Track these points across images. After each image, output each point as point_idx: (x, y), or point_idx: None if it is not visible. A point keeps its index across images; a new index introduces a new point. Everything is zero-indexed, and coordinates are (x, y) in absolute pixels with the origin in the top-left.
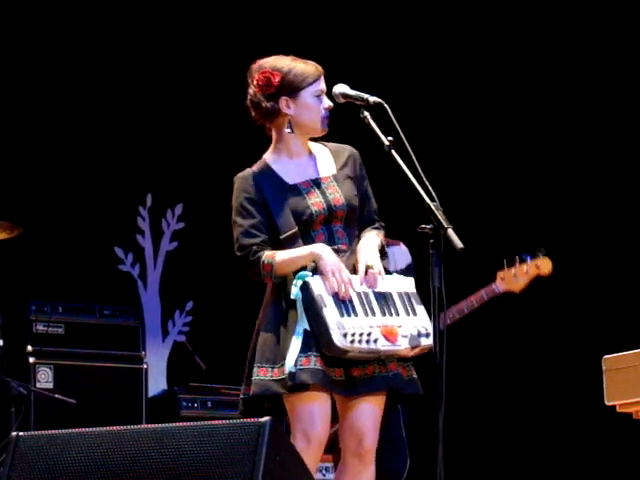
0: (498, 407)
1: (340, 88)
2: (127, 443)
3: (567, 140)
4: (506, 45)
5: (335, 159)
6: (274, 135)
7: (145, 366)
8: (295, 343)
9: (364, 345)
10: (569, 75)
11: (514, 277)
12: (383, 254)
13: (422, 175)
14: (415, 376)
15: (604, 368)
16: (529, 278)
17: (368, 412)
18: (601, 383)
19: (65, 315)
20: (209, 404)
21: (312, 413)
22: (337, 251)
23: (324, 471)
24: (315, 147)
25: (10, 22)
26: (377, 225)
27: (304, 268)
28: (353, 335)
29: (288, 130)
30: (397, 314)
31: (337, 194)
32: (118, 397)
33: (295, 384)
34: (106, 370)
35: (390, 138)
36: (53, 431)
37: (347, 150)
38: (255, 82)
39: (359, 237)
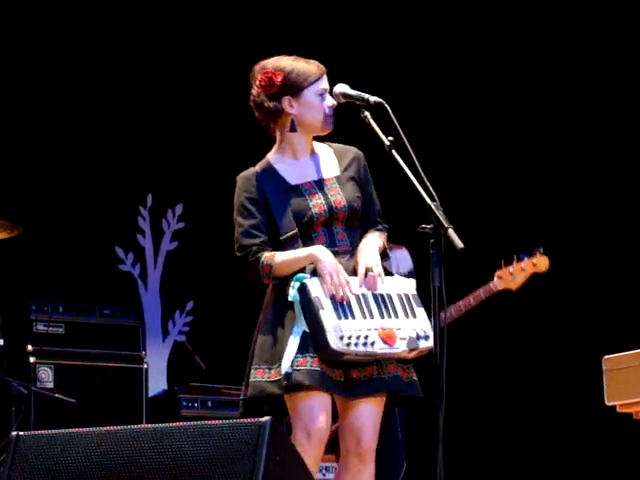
0: (498, 407)
1: (340, 88)
2: (127, 443)
3: (565, 140)
4: (506, 45)
5: (339, 160)
6: (278, 135)
7: (145, 366)
8: (292, 344)
9: (361, 348)
10: (569, 74)
11: (511, 275)
12: (384, 256)
13: (422, 175)
14: (415, 378)
15: (604, 368)
16: (526, 275)
17: (368, 412)
18: (601, 383)
19: (65, 315)
20: (209, 404)
21: (312, 409)
22: (337, 253)
23: (324, 471)
24: (319, 147)
25: (10, 22)
26: (380, 227)
27: (303, 270)
28: (350, 338)
29: (291, 130)
30: (396, 316)
31: (339, 196)
32: (118, 397)
33: (291, 384)
34: (106, 370)
35: (390, 138)
36: (53, 431)
37: (352, 152)
38: (258, 82)
39: (361, 239)
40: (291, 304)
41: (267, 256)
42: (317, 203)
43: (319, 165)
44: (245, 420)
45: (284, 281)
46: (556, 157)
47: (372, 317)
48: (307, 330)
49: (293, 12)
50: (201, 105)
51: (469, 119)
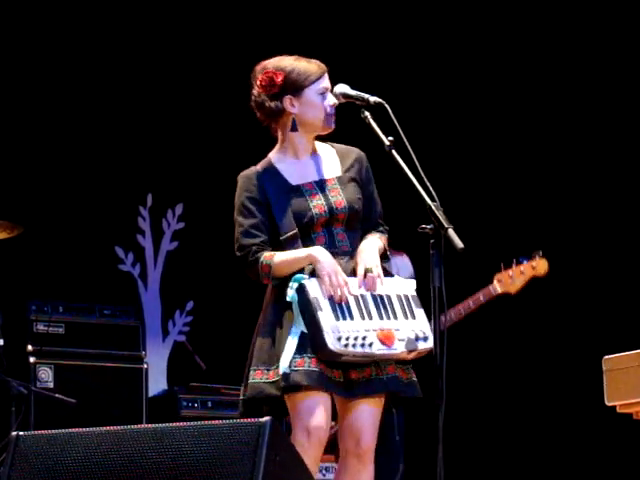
0: (498, 407)
1: (340, 88)
2: (127, 443)
3: (564, 143)
4: (506, 45)
5: (341, 161)
6: (279, 135)
7: (145, 366)
8: (290, 344)
9: (358, 349)
10: (569, 77)
11: (510, 278)
12: (384, 257)
13: (423, 175)
14: (414, 379)
15: (604, 368)
16: (525, 279)
17: (367, 413)
18: (601, 383)
19: (65, 315)
20: (209, 404)
21: (311, 408)
22: (337, 254)
23: (324, 471)
24: (322, 147)
25: (10, 22)
26: (381, 229)
27: (302, 270)
28: (347, 339)
29: (292, 129)
30: (395, 317)
31: (339, 197)
32: (118, 397)
33: (288, 385)
34: (106, 370)
35: (391, 138)
36: (53, 431)
37: (354, 152)
38: (258, 82)
39: (362, 240)
40: (290, 305)
41: (266, 256)
42: (317, 204)
43: (321, 165)
44: (245, 420)
45: (284, 281)
46: (556, 160)
47: (371, 318)
48: (305, 331)
49: (293, 12)
50: (201, 105)
51: (469, 120)
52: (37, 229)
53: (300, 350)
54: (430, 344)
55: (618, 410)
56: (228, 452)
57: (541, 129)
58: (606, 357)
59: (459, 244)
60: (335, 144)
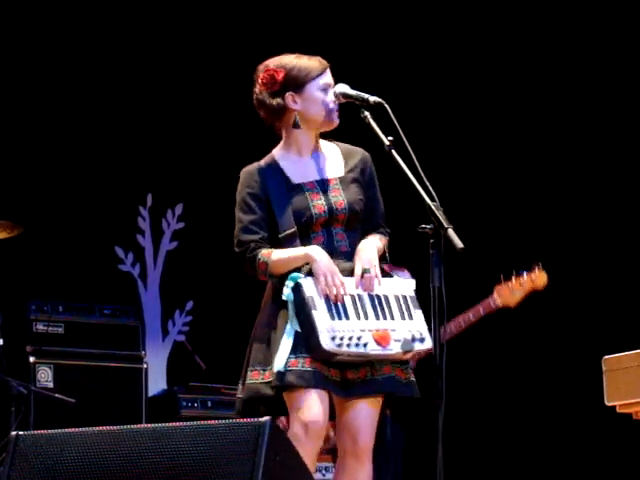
0: (498, 407)
1: (340, 88)
2: (126, 443)
3: (565, 157)
4: (506, 46)
5: (345, 161)
6: (283, 133)
7: (145, 366)
8: (285, 343)
9: (353, 349)
10: (570, 81)
11: (510, 291)
12: (384, 259)
13: (422, 175)
14: (413, 379)
15: (604, 369)
16: (524, 292)
17: (364, 413)
18: (601, 384)
19: (65, 315)
20: (209, 404)
21: (308, 403)
22: (335, 254)
23: (324, 471)
24: (326, 146)
25: (10, 22)
26: (382, 231)
27: (299, 269)
28: (342, 339)
29: (294, 126)
30: (392, 317)
31: (340, 197)
32: (118, 397)
33: (281, 385)
34: (106, 370)
35: (390, 138)
36: (53, 430)
37: (359, 153)
38: (260, 81)
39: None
40: (285, 304)
41: (264, 253)
42: (317, 203)
43: (324, 164)
44: (244, 420)
45: (283, 281)
46: (556, 173)
47: (367, 318)
48: (299, 330)
49: (294, 12)
50: (201, 105)
51: (469, 120)
52: (37, 229)
53: (294, 350)
54: (426, 345)
55: (618, 410)
56: (226, 452)
57: (541, 141)
58: (606, 357)
59: (459, 244)
60: (340, 143)
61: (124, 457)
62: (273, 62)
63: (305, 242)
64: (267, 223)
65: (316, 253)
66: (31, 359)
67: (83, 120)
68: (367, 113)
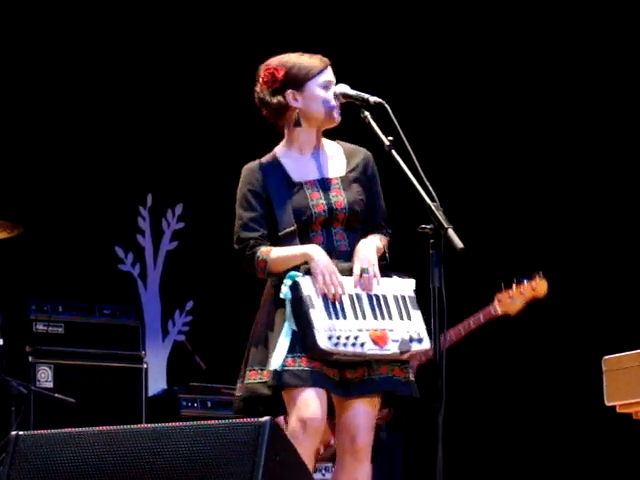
0: (498, 408)
1: (340, 88)
2: (126, 443)
3: (567, 167)
4: (506, 46)
5: (347, 160)
6: (285, 131)
7: (145, 366)
8: (282, 343)
9: (349, 348)
10: (571, 85)
11: (510, 299)
12: (383, 259)
13: (422, 175)
14: (412, 378)
15: (604, 369)
16: (525, 300)
17: (362, 412)
18: (601, 384)
19: (65, 315)
20: (209, 404)
21: (306, 400)
22: (334, 254)
23: (323, 471)
24: (329, 145)
25: (10, 22)
26: (383, 231)
27: (297, 268)
28: (338, 338)
29: (296, 124)
30: (390, 317)
31: (340, 197)
32: (118, 397)
33: (278, 384)
34: (106, 370)
35: (390, 138)
36: (53, 430)
37: (361, 153)
38: (261, 80)
39: None
40: (283, 303)
41: (263, 251)
42: (317, 203)
43: (326, 163)
44: (244, 420)
45: (282, 280)
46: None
47: (364, 318)
48: (296, 329)
49: (294, 12)
50: (201, 105)
51: (469, 122)
52: (37, 229)
53: (291, 350)
54: (424, 346)
55: (618, 410)
56: (226, 452)
57: (543, 150)
58: (606, 357)
59: (459, 244)
60: (343, 143)
61: (124, 457)
62: (274, 61)
63: (304, 241)
64: (267, 221)
65: (315, 252)
66: (31, 359)
67: (83, 120)
68: (367, 113)
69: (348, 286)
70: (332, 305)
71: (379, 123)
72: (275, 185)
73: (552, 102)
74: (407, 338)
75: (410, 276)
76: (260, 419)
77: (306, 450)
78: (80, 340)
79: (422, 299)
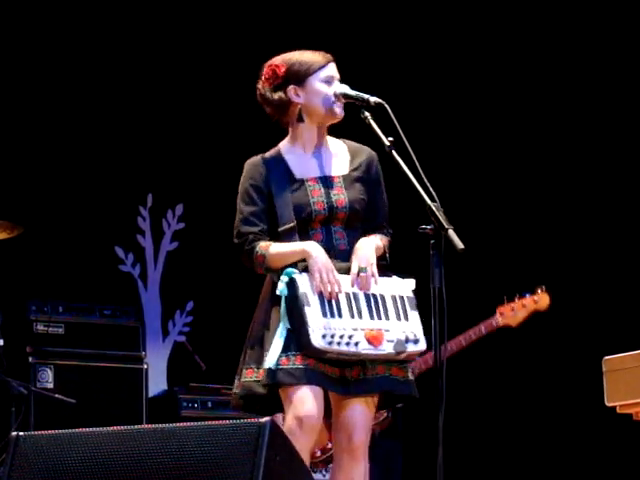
0: (498, 407)
1: (341, 88)
2: (127, 443)
3: (570, 180)
4: (506, 47)
5: (351, 159)
6: (290, 127)
7: (145, 366)
8: (277, 341)
9: (344, 347)
10: (576, 87)
11: (512, 311)
12: (383, 258)
13: (423, 175)
14: (411, 378)
15: (604, 369)
16: (527, 312)
17: (359, 411)
18: (601, 384)
19: (65, 315)
20: (209, 404)
21: (303, 397)
22: (333, 252)
23: (324, 471)
24: (334, 143)
25: (10, 22)
26: (384, 231)
27: (295, 264)
28: (332, 336)
29: (298, 119)
30: (387, 317)
31: (342, 195)
32: (118, 397)
33: (272, 382)
34: (106, 370)
35: (391, 138)
36: (53, 431)
37: (365, 152)
38: (263, 77)
39: None
40: (279, 301)
41: (262, 246)
42: (318, 200)
43: (329, 161)
44: (245, 420)
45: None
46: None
47: (361, 317)
48: (290, 327)
49: (294, 12)
50: (201, 105)
51: (471, 126)
52: (37, 229)
53: (286, 349)
54: (420, 347)
55: (618, 411)
56: (228, 452)
57: (544, 162)
58: (606, 358)
59: (459, 245)
60: (348, 141)
61: (126, 458)
62: (277, 59)
63: (304, 238)
64: (267, 216)
65: (313, 249)
66: (31, 359)
67: (83, 120)
68: (367, 114)
69: (345, 285)
70: (328, 303)
71: (379, 123)
72: (277, 180)
73: (560, 110)
74: (403, 339)
75: (410, 277)
76: (261, 419)
77: (302, 447)
78: (80, 340)
79: (422, 300)
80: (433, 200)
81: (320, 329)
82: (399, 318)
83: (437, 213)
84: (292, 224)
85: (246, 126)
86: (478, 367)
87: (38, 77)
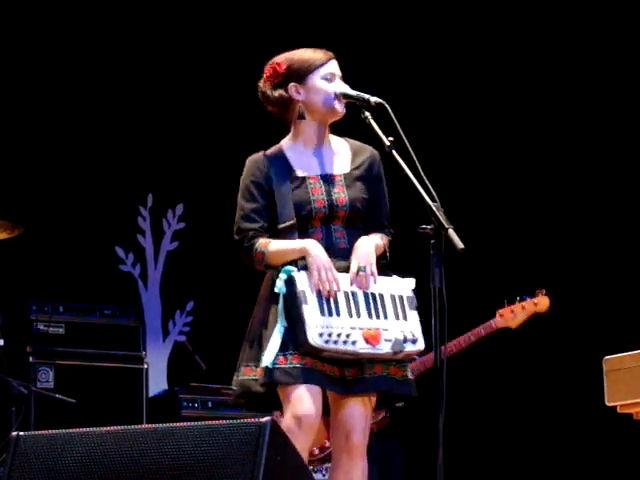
0: (499, 407)
1: (341, 88)
2: (127, 443)
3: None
4: (506, 47)
5: (353, 157)
6: (292, 125)
7: (145, 366)
8: (275, 339)
9: (340, 346)
10: (578, 89)
11: (512, 314)
12: (383, 258)
13: (423, 175)
14: (410, 377)
15: (605, 369)
16: (526, 314)
17: (358, 410)
18: (602, 384)
19: (66, 315)
20: (209, 404)
21: (301, 396)
22: (333, 251)
23: (324, 471)
24: (336, 141)
25: (10, 22)
26: (385, 230)
27: (294, 262)
28: (329, 335)
29: (299, 117)
30: (385, 317)
31: (342, 194)
32: (118, 397)
33: (269, 381)
34: (106, 370)
35: (391, 138)
36: (53, 431)
37: (368, 151)
38: (264, 75)
39: None
40: (277, 299)
41: (262, 243)
42: (318, 198)
43: (330, 159)
44: (246, 420)
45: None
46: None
47: (359, 316)
48: (287, 326)
49: (294, 12)
50: (201, 105)
51: (472, 126)
52: (37, 229)
53: (282, 347)
54: (418, 347)
55: (618, 410)
56: (229, 452)
57: (545, 164)
58: (606, 358)
59: (459, 244)
60: (351, 140)
61: (126, 457)
62: (279, 57)
63: (303, 236)
64: (268, 212)
65: (312, 247)
66: (31, 359)
67: (83, 120)
68: (368, 113)
69: (344, 283)
70: (326, 302)
71: (380, 123)
72: (278, 178)
73: (560, 112)
74: (401, 338)
75: (410, 276)
76: (261, 419)
77: (301, 446)
78: (81, 340)
79: (422, 300)
80: (433, 200)
81: (317, 327)
82: (398, 318)
83: (437, 213)
84: (292, 221)
85: (246, 126)
86: (478, 368)
87: (38, 77)
